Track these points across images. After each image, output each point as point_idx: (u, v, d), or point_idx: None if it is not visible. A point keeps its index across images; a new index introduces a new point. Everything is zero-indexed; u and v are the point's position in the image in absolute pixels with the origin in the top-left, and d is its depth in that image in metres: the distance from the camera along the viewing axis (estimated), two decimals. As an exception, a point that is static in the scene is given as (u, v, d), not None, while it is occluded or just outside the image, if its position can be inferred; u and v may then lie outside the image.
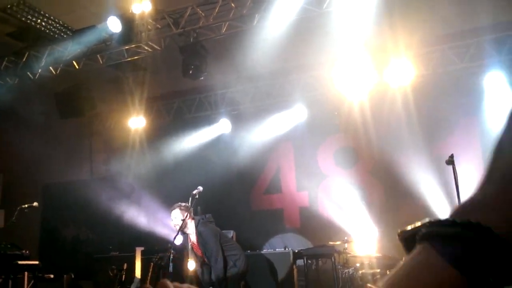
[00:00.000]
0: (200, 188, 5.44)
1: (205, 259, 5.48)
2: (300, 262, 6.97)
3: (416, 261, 0.51)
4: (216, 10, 6.64)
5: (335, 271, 6.45)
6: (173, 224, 5.44)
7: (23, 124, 8.51)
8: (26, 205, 6.02)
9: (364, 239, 6.99)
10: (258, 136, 8.95)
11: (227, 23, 6.83)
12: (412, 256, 0.52)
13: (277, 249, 7.37)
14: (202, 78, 7.42)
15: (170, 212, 5.49)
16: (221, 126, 9.30)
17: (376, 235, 7.14)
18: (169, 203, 5.86)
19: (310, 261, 6.96)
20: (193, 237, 5.53)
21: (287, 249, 7.12)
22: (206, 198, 5.89)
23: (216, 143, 9.24)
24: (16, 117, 8.38)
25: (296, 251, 7.03)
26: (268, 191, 9.19)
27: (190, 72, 7.22)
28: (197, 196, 5.42)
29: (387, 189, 8.05)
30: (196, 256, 5.63)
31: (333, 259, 6.56)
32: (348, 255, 6.61)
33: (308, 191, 8.82)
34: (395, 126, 7.74)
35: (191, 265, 5.98)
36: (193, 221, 5.51)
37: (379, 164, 8.16)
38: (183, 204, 5.47)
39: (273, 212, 9.05)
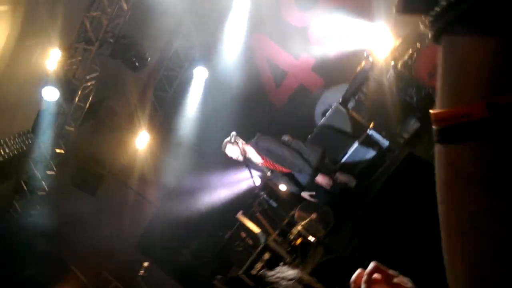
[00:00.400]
0: (233, 132, 5.42)
1: (284, 169, 5.48)
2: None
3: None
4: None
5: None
6: (236, 158, 5.33)
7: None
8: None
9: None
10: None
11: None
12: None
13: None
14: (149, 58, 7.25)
15: (226, 151, 5.36)
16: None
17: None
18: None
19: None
20: (258, 159, 5.44)
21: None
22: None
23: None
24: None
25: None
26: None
27: (137, 64, 7.18)
28: (232, 140, 5.40)
29: None
30: (279, 177, 5.68)
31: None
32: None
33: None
34: None
35: (282, 187, 6.12)
36: (249, 145, 5.45)
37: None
38: (227, 139, 5.38)
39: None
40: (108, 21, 6.89)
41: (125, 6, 6.93)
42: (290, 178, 5.56)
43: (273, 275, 1.36)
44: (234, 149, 5.31)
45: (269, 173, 5.39)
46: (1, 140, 7.24)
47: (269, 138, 5.51)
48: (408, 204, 4.06)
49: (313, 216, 5.97)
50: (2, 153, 7.33)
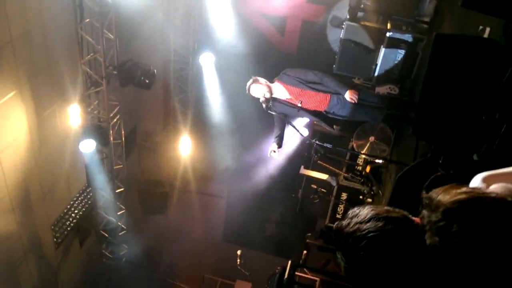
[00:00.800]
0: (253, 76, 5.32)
1: (315, 95, 5.21)
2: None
3: None
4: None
5: None
6: (264, 98, 5.16)
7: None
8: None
9: None
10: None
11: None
12: None
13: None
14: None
15: (251, 93, 5.24)
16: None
17: None
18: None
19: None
20: (285, 94, 5.26)
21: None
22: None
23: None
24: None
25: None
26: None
27: (147, 81, 7.32)
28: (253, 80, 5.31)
29: None
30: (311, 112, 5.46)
31: None
32: None
33: None
34: None
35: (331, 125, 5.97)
36: (275, 81, 5.31)
37: None
38: (249, 81, 5.26)
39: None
40: (103, 57, 6.94)
41: (111, 36, 6.94)
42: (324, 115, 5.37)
43: (349, 224, 1.30)
44: (258, 87, 5.19)
45: (299, 104, 5.20)
46: (68, 207, 7.63)
47: (296, 70, 5.35)
48: (456, 86, 3.82)
49: (371, 138, 5.82)
50: (74, 215, 7.74)
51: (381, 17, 6.53)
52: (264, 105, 5.21)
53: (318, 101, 5.23)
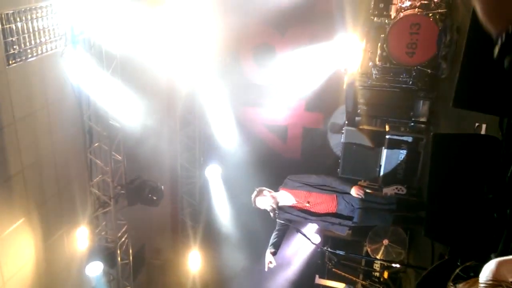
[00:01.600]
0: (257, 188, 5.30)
1: (322, 196, 5.12)
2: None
3: None
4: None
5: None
6: (270, 207, 4.99)
7: None
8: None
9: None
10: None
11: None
12: None
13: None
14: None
15: (257, 205, 5.10)
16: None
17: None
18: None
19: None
20: (291, 200, 5.14)
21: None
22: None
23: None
24: None
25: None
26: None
27: (154, 198, 7.43)
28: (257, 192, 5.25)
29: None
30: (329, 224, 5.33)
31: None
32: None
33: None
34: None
35: (341, 231, 5.83)
36: (279, 190, 5.21)
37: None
38: (253, 194, 5.14)
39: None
40: (111, 177, 7.10)
41: (119, 157, 7.16)
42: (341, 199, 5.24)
43: None
44: (263, 199, 5.08)
45: (306, 204, 5.10)
46: None
47: (299, 175, 5.33)
48: (462, 184, 3.79)
49: (385, 241, 5.65)
50: None
51: (379, 120, 6.74)
52: (271, 214, 5.14)
53: (325, 201, 5.16)
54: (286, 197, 5.23)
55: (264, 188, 5.21)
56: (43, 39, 5.69)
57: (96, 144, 6.95)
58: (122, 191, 7.41)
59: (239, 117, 9.12)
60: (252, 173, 8.55)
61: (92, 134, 6.90)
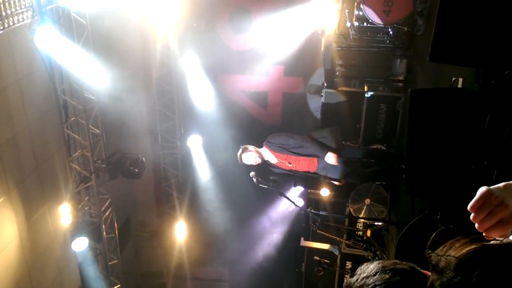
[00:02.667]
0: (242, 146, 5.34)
1: (302, 159, 5.24)
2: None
3: None
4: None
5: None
6: (255, 162, 5.18)
7: None
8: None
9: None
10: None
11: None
12: None
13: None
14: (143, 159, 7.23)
15: (244, 162, 5.22)
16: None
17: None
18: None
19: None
20: (273, 159, 5.29)
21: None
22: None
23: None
24: None
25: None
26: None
27: (136, 170, 7.34)
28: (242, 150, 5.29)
29: None
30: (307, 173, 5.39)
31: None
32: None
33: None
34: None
35: (324, 192, 5.92)
36: (263, 147, 5.32)
37: None
38: (238, 152, 5.26)
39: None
40: (90, 152, 6.98)
41: (97, 131, 7.03)
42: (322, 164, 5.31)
43: (357, 279, 1.24)
44: (249, 155, 5.22)
45: (289, 164, 5.20)
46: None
47: (279, 133, 5.44)
48: (440, 139, 3.83)
49: (367, 201, 5.74)
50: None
51: (357, 81, 6.73)
52: (254, 180, 5.17)
53: (305, 164, 5.27)
54: (269, 155, 5.29)
55: (248, 145, 5.26)
56: (8, 11, 5.44)
57: (73, 119, 6.79)
58: (103, 165, 7.31)
59: (217, 85, 9.00)
60: (233, 141, 8.53)
61: (67, 108, 6.73)
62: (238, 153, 5.29)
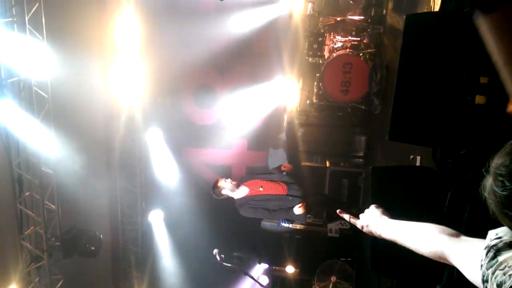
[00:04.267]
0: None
1: (281, 184, 5.45)
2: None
3: None
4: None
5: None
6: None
7: None
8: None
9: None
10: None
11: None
12: None
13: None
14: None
15: (220, 184, 5.29)
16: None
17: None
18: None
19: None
20: (247, 190, 5.39)
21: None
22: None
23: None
24: None
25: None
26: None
27: (93, 248, 6.88)
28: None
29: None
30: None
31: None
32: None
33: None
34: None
35: (289, 269, 5.78)
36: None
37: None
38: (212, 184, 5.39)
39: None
40: (44, 229, 6.63)
41: (53, 207, 6.73)
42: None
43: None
44: (222, 185, 5.29)
45: (260, 189, 5.40)
46: None
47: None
48: (402, 210, 3.87)
49: (333, 278, 5.64)
50: None
51: (319, 156, 6.88)
52: (218, 258, 5.03)
53: (276, 187, 5.45)
54: (241, 191, 5.42)
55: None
56: (-34, 84, 5.35)
57: (27, 193, 6.49)
58: (57, 243, 6.92)
59: (181, 158, 8.96)
60: (196, 216, 8.36)
61: (22, 183, 6.44)
62: (212, 189, 5.36)
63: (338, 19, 6.85)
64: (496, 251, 1.21)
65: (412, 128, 3.39)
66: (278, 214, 5.39)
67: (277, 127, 8.11)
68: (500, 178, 1.08)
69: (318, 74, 6.79)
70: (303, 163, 6.72)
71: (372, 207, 1.89)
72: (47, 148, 6.28)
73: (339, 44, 6.82)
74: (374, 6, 6.91)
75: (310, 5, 7.22)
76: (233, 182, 5.35)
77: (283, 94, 7.63)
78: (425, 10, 4.59)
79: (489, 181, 1.13)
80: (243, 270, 5.16)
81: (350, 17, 6.90)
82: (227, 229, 7.37)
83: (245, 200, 5.40)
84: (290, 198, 5.38)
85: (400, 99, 3.35)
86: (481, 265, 1.23)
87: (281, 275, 6.24)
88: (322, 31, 7.00)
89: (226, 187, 5.30)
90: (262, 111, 8.37)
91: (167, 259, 8.84)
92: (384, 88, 5.93)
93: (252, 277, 5.13)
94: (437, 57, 3.33)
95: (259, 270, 6.21)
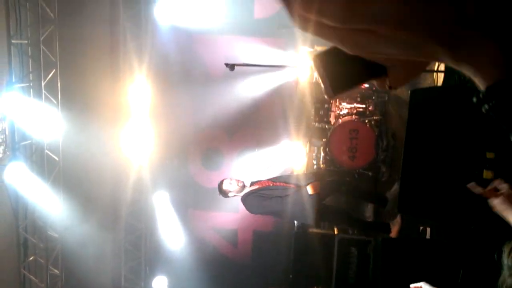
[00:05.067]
0: None
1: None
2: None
3: None
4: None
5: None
6: (236, 191, 5.18)
7: None
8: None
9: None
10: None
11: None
12: None
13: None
14: None
15: (224, 187, 5.20)
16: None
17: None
18: None
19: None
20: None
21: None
22: None
23: None
24: None
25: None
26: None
27: None
28: None
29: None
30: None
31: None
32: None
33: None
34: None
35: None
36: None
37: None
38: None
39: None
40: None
41: (57, 272, 6.64)
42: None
43: None
44: (229, 181, 5.20)
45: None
46: None
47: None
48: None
49: None
50: None
51: (326, 223, 6.81)
52: None
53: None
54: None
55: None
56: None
57: (32, 258, 6.42)
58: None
59: (187, 221, 8.89)
60: (201, 282, 8.17)
61: (27, 247, 6.41)
62: (218, 188, 5.24)
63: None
64: None
65: (420, 202, 3.40)
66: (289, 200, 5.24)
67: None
68: None
69: (325, 139, 6.87)
70: (310, 230, 6.64)
71: None
72: (55, 211, 6.30)
73: (345, 111, 6.96)
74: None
75: (315, 73, 7.44)
76: (239, 183, 5.20)
77: (290, 158, 7.69)
78: (429, 83, 4.73)
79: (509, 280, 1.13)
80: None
81: (356, 85, 7.08)
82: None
83: (251, 191, 5.26)
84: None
85: (408, 173, 3.39)
86: None
87: None
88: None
89: (232, 189, 5.18)
90: (269, 174, 8.40)
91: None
92: (390, 155, 5.98)
93: None
94: (443, 131, 3.40)
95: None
